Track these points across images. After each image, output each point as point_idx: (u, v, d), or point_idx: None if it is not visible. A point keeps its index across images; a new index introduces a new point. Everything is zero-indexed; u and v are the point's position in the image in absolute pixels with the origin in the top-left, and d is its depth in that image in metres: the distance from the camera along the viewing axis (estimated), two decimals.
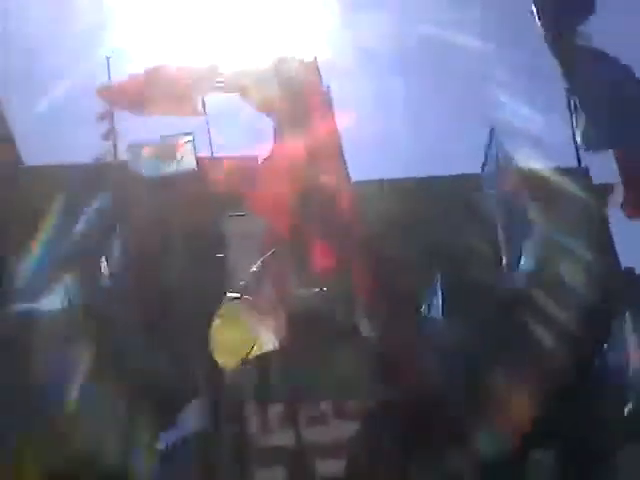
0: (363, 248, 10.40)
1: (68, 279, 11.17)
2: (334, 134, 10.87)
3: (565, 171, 11.59)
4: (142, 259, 11.96)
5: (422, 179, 14.18)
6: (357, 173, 12.34)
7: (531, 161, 11.66)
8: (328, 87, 11.52)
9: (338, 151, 10.78)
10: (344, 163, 10.77)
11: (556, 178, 11.68)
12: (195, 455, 10.75)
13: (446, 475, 10.07)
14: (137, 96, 14.05)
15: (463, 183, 11.99)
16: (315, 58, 11.53)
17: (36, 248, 12.13)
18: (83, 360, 10.41)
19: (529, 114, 13.35)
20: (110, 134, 15.99)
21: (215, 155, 13.73)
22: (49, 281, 11.38)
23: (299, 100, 11.01)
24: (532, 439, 10.55)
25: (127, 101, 14.22)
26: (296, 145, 10.52)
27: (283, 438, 10.73)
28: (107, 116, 16.04)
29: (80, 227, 11.98)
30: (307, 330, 10.87)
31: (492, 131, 10.80)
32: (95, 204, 12.11)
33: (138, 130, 15.22)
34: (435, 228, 12.80)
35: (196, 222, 12.64)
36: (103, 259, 11.74)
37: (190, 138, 13.85)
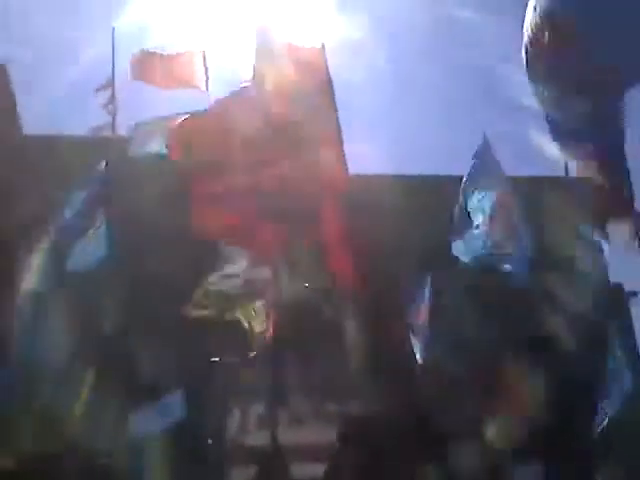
0: (352, 243, 10.06)
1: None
2: (334, 122, 10.55)
3: (557, 179, 11.28)
4: (130, 242, 11.63)
5: (424, 177, 13.86)
6: (362, 165, 12.10)
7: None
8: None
9: (336, 140, 10.43)
10: (342, 153, 10.41)
11: (546, 187, 11.34)
12: (170, 445, 10.54)
13: None
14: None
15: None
16: (323, 45, 11.18)
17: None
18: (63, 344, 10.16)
19: None
20: (110, 105, 15.77)
21: None
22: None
23: (302, 85, 10.63)
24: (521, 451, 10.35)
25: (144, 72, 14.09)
26: (292, 130, 10.14)
27: (260, 437, 10.46)
28: (108, 87, 15.83)
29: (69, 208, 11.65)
30: (292, 326, 10.57)
31: (485, 138, 10.60)
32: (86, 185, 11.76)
33: (139, 108, 15.01)
34: (430, 228, 12.48)
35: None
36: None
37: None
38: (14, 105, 14.80)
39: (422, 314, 11.59)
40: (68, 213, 11.47)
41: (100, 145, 14.03)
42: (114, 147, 13.53)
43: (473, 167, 10.66)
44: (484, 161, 10.56)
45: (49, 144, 13.69)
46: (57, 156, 13.05)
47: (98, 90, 15.80)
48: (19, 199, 12.25)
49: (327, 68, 10.74)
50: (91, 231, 11.38)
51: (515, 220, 10.16)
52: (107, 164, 11.43)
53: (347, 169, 10.56)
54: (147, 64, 14.07)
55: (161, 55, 14.17)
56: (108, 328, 10.99)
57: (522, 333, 11.75)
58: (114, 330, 11.00)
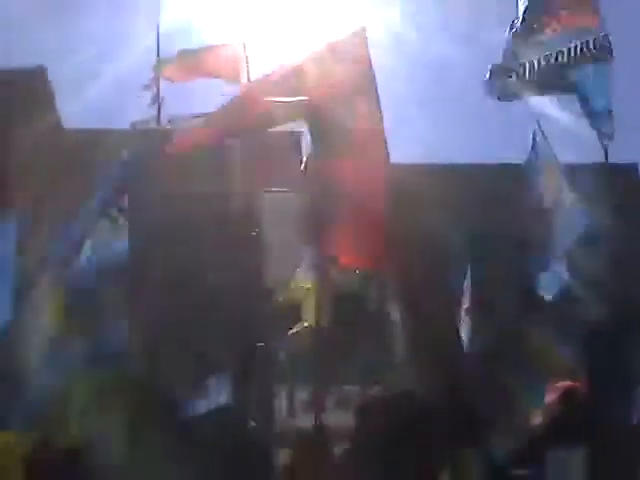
0: (397, 233, 10.09)
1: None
2: (376, 111, 10.53)
3: (612, 167, 11.16)
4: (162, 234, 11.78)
5: (461, 166, 13.93)
6: (397, 155, 12.13)
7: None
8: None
9: (379, 130, 10.42)
10: (384, 143, 10.42)
11: (602, 175, 11.21)
12: (217, 429, 10.72)
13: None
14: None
15: (506, 173, 11.70)
16: (364, 28, 11.10)
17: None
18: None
19: None
20: (155, 102, 16.05)
21: None
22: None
23: (344, 72, 10.62)
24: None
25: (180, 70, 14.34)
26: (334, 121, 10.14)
27: (307, 420, 10.59)
28: (153, 85, 16.12)
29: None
30: (338, 313, 10.67)
31: (538, 124, 10.57)
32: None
33: (183, 102, 15.28)
34: (472, 217, 12.54)
35: (231, 196, 12.47)
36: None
37: None
38: (53, 104, 14.90)
39: (465, 303, 11.67)
40: (93, 204, 11.59)
41: (144, 138, 14.24)
42: (158, 140, 13.77)
43: (529, 154, 10.67)
44: (537, 149, 10.56)
45: (91, 138, 13.90)
46: (99, 150, 13.24)
47: (144, 89, 16.06)
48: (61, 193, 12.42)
49: (368, 53, 10.69)
50: (115, 220, 11.42)
51: (568, 208, 10.18)
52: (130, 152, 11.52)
53: (389, 158, 10.60)
54: (178, 64, 14.28)
55: (195, 50, 14.37)
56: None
57: (565, 320, 11.69)
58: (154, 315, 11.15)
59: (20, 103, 11.72)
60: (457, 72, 18.17)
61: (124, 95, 17.27)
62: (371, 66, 10.67)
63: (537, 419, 10.00)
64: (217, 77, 14.08)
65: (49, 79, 14.40)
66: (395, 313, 11.32)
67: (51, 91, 14.67)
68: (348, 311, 11.07)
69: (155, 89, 16.49)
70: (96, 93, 16.20)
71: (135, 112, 16.37)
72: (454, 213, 12.59)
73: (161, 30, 15.89)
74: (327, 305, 10.33)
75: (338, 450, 10.04)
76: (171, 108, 15.99)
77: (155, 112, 15.91)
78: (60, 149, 12.83)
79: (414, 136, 16.03)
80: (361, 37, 10.77)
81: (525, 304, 11.65)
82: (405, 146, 13.52)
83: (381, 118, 10.75)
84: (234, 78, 13.79)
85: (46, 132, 12.48)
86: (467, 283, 12.04)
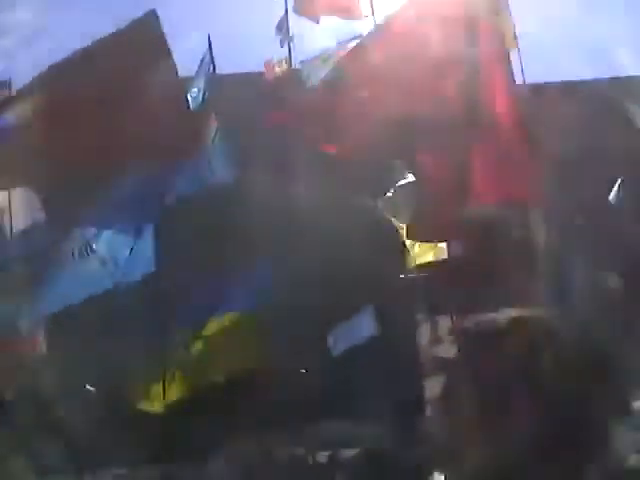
0: (534, 156, 9.80)
1: None
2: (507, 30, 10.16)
3: None
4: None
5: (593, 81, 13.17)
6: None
7: None
8: None
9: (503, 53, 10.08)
10: (510, 68, 10.06)
11: None
12: (364, 359, 11.01)
13: None
14: None
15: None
16: None
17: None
18: None
19: None
20: (285, 40, 16.05)
21: None
22: None
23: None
24: None
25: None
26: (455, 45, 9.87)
27: (449, 349, 10.66)
28: (283, 22, 16.14)
29: None
30: (480, 241, 10.56)
31: None
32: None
33: (311, 37, 15.25)
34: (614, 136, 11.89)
35: None
36: None
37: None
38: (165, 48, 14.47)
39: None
40: None
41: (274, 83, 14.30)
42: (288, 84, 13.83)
43: None
44: None
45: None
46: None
47: (276, 33, 16.00)
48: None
49: None
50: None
51: None
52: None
53: (514, 86, 10.24)
54: None
55: None
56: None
57: None
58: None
59: (134, 53, 11.79)
60: None
61: (256, 36, 17.40)
62: None
63: None
64: (338, 11, 13.99)
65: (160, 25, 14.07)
66: (540, 241, 11.07)
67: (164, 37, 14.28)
68: (491, 239, 10.93)
69: (286, 27, 16.47)
70: (227, 34, 16.35)
71: (267, 53, 16.44)
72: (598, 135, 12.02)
73: None
74: (471, 237, 10.24)
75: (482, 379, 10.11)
76: (304, 47, 15.95)
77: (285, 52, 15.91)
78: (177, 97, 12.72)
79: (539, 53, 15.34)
80: None
81: None
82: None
83: (504, 45, 10.39)
84: (356, 13, 13.66)
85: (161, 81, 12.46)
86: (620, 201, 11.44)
